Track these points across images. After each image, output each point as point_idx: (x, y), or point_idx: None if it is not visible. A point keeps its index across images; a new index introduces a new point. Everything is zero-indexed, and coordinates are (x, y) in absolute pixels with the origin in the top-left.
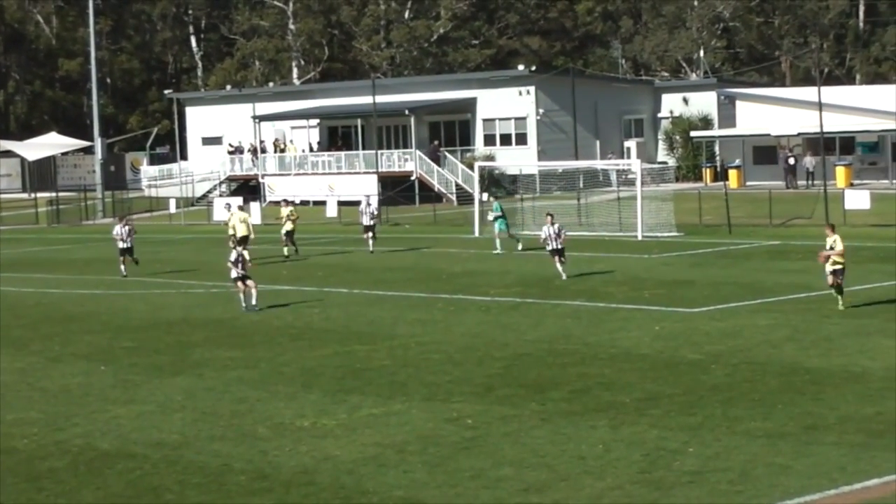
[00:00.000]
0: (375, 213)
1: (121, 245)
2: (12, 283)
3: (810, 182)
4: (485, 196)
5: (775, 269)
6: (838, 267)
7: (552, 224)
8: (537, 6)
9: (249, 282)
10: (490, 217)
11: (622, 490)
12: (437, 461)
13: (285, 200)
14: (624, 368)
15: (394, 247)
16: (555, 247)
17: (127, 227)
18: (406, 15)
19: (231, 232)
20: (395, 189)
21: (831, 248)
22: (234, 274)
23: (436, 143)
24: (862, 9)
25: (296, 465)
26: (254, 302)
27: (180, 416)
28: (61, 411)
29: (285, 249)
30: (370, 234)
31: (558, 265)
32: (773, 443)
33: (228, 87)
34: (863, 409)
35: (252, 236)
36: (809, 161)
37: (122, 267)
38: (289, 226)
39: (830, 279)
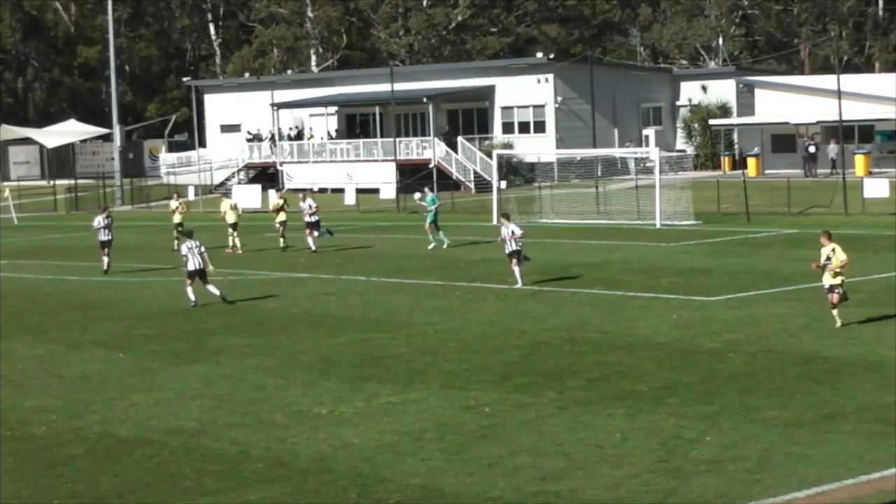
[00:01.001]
0: (313, 209)
1: (102, 237)
2: (31, 271)
3: (833, 170)
4: (416, 195)
5: (793, 258)
6: (836, 282)
7: (508, 224)
8: None
9: (209, 277)
10: (421, 203)
11: (639, 479)
12: (454, 449)
13: (276, 189)
14: (641, 357)
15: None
16: (512, 248)
17: (109, 219)
18: (424, 2)
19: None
20: (413, 177)
21: (828, 259)
22: (189, 267)
23: (447, 128)
24: None
25: (313, 453)
26: (217, 292)
27: (198, 404)
28: (79, 398)
29: (281, 241)
30: (313, 231)
31: (515, 270)
32: (791, 432)
33: (247, 74)
34: (881, 397)
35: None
36: (833, 149)
37: (105, 260)
38: (282, 216)
39: (835, 297)
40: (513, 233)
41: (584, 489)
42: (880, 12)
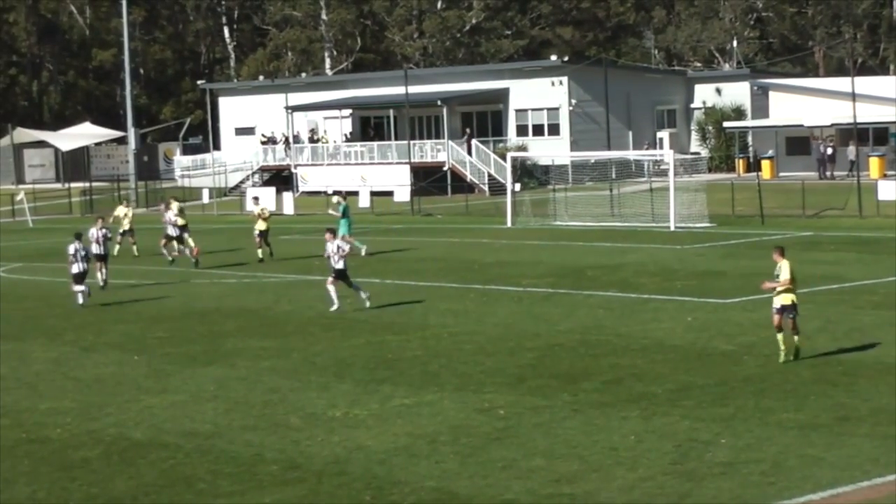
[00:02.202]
0: (173, 220)
1: (95, 250)
2: (46, 273)
3: (850, 172)
4: (335, 199)
5: (808, 260)
6: (787, 303)
7: (333, 240)
8: None
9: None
10: (334, 213)
11: (654, 481)
12: (468, 452)
13: (255, 198)
14: (656, 359)
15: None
16: (338, 266)
17: (103, 231)
18: (438, 5)
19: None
20: (428, 179)
21: (777, 277)
22: (74, 270)
23: (468, 132)
24: None
25: (328, 455)
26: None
27: (213, 406)
28: (94, 401)
29: (259, 252)
30: (174, 243)
31: (99, 274)
32: (806, 434)
33: (261, 77)
34: None
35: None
36: (852, 151)
37: (99, 275)
38: (261, 225)
39: (790, 323)
40: (339, 248)
41: (598, 492)
42: (895, 15)
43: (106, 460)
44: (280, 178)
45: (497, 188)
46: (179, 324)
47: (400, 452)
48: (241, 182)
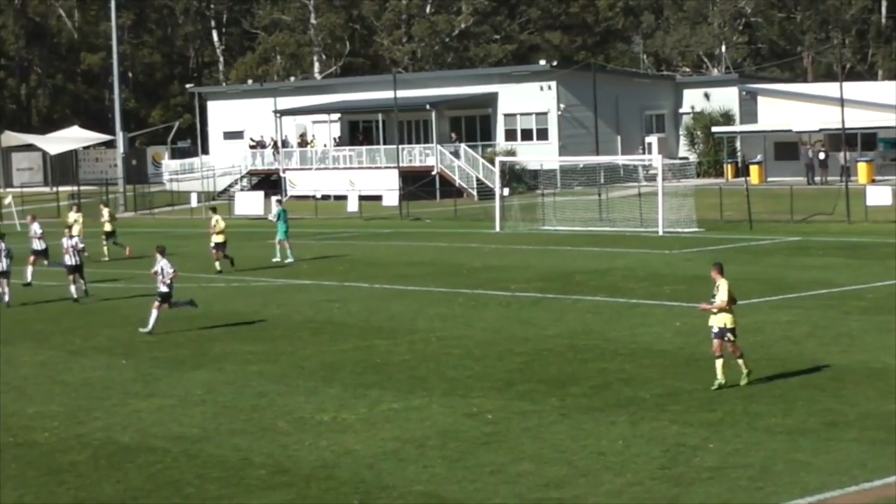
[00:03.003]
0: (38, 234)
1: (68, 261)
2: (34, 277)
3: (844, 177)
4: (274, 203)
5: (796, 265)
6: (724, 325)
7: (160, 259)
8: (559, 1)
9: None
10: (271, 219)
11: (642, 486)
12: (456, 456)
13: (213, 209)
14: (644, 364)
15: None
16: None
17: (74, 240)
18: (427, 10)
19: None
20: (416, 184)
21: (714, 297)
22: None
23: (453, 137)
24: (884, 4)
25: (316, 460)
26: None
27: (200, 410)
28: (82, 405)
29: (217, 264)
30: (41, 260)
31: (72, 287)
32: (794, 439)
33: (250, 81)
34: (883, 405)
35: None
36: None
37: (72, 288)
38: (218, 237)
39: (729, 347)
40: (162, 270)
41: (586, 496)
42: (883, 20)
43: (93, 464)
44: (269, 183)
45: (486, 193)
46: (167, 327)
47: (388, 457)
48: (230, 186)
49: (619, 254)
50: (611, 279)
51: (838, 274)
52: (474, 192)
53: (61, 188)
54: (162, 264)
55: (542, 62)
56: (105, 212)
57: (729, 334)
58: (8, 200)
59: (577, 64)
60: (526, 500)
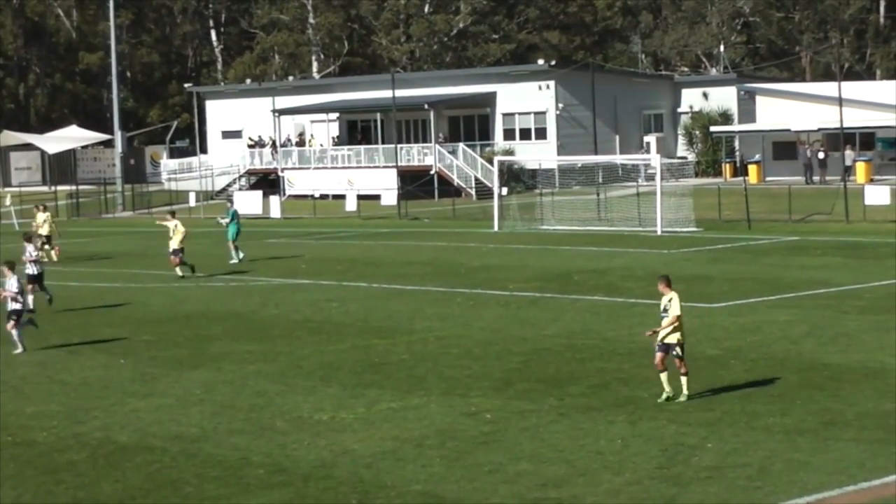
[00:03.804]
0: (34, 256)
1: (29, 270)
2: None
3: (845, 177)
4: (227, 210)
5: (794, 265)
6: (672, 341)
7: (11, 276)
8: (557, 1)
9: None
10: (222, 221)
11: (640, 485)
12: (455, 455)
13: (171, 213)
14: (642, 364)
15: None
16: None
17: (36, 253)
18: (426, 9)
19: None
20: (415, 183)
21: (665, 311)
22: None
23: (440, 136)
24: (883, 4)
25: (314, 459)
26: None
27: (199, 410)
28: (80, 404)
29: (178, 270)
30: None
31: (30, 297)
32: (792, 438)
33: (248, 80)
34: (882, 405)
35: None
36: (849, 155)
37: (30, 297)
38: (175, 243)
39: (658, 357)
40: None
41: (585, 496)
42: (881, 20)
43: (92, 464)
44: (267, 182)
45: (484, 192)
46: (166, 327)
47: (386, 456)
48: (228, 185)
49: (617, 253)
50: (609, 279)
51: (836, 273)
52: (473, 192)
53: (60, 187)
54: (13, 280)
55: (541, 62)
56: (40, 216)
57: (678, 349)
58: (7, 200)
59: (576, 63)
60: (524, 499)
